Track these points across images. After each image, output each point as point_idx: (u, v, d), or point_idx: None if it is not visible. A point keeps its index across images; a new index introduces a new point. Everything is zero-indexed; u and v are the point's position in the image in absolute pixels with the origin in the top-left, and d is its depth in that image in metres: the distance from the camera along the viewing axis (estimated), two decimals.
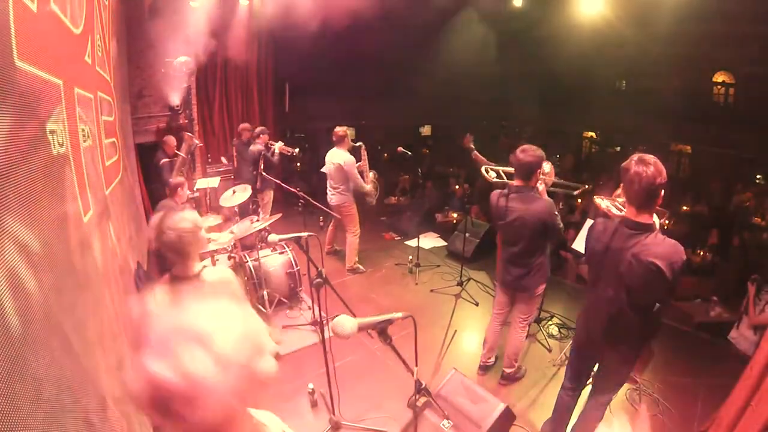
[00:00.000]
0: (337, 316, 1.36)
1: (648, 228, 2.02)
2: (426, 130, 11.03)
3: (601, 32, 7.66)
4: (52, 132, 1.45)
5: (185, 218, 1.87)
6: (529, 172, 2.92)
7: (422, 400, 1.58)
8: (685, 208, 7.21)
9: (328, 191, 5.16)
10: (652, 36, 7.98)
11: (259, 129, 5.79)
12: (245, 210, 5.06)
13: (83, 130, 1.99)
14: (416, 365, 1.48)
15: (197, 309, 0.72)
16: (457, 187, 8.05)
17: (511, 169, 3.33)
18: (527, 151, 2.90)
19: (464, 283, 5.01)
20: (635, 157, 1.97)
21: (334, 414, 2.92)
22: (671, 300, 2.18)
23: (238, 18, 6.98)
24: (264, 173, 5.26)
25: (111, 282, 2.16)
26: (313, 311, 4.22)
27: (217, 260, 4.22)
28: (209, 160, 7.26)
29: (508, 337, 3.42)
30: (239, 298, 0.81)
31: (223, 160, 6.75)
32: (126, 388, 0.65)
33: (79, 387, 1.30)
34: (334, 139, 5.06)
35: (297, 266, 4.54)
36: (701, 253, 5.68)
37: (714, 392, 3.14)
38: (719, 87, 9.33)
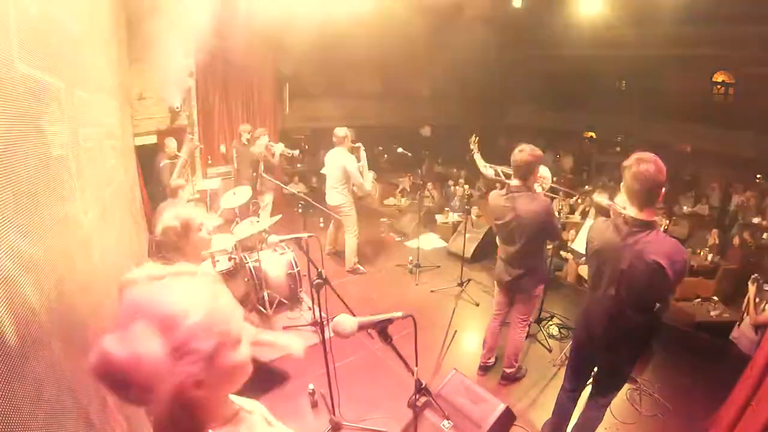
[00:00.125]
0: (337, 316, 1.36)
1: (650, 225, 2.03)
2: (426, 130, 11.03)
3: (601, 32, 7.67)
4: (53, 134, 1.46)
5: (177, 214, 1.89)
6: (527, 171, 2.92)
7: (422, 400, 1.58)
8: (685, 208, 7.21)
9: (327, 192, 5.16)
10: (652, 36, 7.98)
11: (259, 130, 5.80)
12: (245, 211, 5.07)
13: (83, 131, 2.00)
14: (416, 365, 1.48)
15: (165, 291, 0.71)
16: (457, 187, 8.05)
17: (509, 170, 3.33)
18: (525, 151, 2.91)
19: (464, 284, 5.01)
20: (635, 155, 1.99)
21: (334, 414, 2.92)
22: (671, 300, 2.17)
23: (239, 18, 6.99)
24: (264, 175, 5.26)
25: (111, 282, 2.17)
26: (314, 312, 4.22)
27: (218, 261, 4.22)
28: (209, 161, 7.27)
29: (508, 338, 3.42)
30: (221, 292, 0.79)
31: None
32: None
33: (80, 388, 1.30)
34: (334, 140, 5.06)
35: (297, 267, 4.54)
36: (701, 253, 5.69)
37: (714, 392, 3.13)
38: (719, 87, 9.34)
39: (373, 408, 3.09)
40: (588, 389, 2.65)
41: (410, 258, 5.52)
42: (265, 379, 3.41)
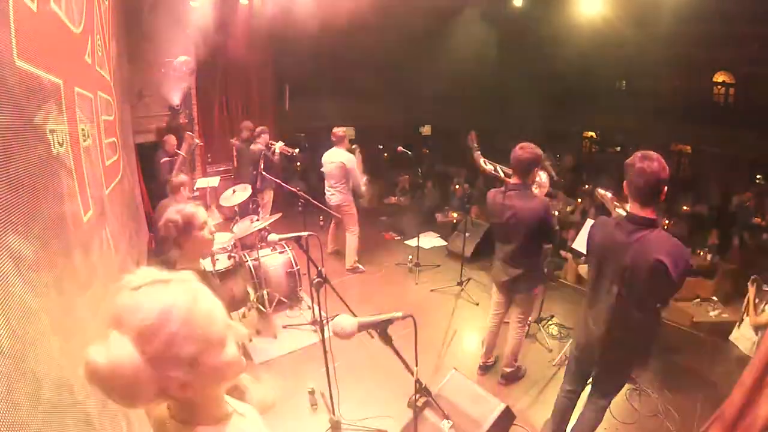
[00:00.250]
0: (337, 315, 1.36)
1: (653, 223, 2.04)
2: (426, 130, 11.01)
3: (601, 32, 7.66)
4: (52, 131, 1.45)
5: (180, 209, 1.86)
6: (526, 169, 2.92)
7: (422, 400, 1.58)
8: (685, 208, 7.21)
9: (327, 191, 5.17)
10: (652, 36, 7.98)
11: (259, 129, 5.80)
12: (245, 209, 5.07)
13: (83, 129, 1.99)
14: (416, 365, 1.48)
15: (140, 301, 0.72)
16: (457, 186, 8.05)
17: (509, 170, 3.33)
18: (525, 148, 2.91)
19: (464, 283, 5.01)
20: (639, 153, 2.01)
21: (334, 414, 2.92)
22: (671, 299, 2.17)
23: (238, 17, 6.98)
24: (264, 173, 5.26)
25: (111, 282, 2.16)
26: (313, 311, 4.22)
27: (217, 260, 4.21)
28: (209, 159, 7.26)
29: (508, 338, 3.42)
30: (201, 296, 0.80)
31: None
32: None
33: (79, 388, 1.29)
34: (333, 138, 5.08)
35: (297, 266, 4.54)
36: (701, 253, 5.68)
37: (714, 392, 3.14)
38: (719, 87, 9.34)
39: (373, 408, 3.09)
40: (588, 389, 2.64)
41: (410, 257, 5.52)
42: (265, 378, 3.40)
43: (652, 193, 1.99)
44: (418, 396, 1.57)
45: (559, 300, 4.67)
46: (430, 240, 6.54)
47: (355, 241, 5.31)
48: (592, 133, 11.68)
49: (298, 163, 8.37)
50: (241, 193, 4.68)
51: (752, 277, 3.88)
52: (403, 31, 8.39)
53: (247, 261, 4.35)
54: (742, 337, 3.86)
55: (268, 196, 5.91)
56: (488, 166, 3.94)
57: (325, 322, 2.55)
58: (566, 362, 3.28)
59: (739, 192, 7.51)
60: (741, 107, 8.76)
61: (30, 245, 1.14)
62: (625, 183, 2.08)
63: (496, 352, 3.66)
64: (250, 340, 3.96)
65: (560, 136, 10.83)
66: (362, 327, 1.34)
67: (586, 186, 7.46)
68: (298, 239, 2.53)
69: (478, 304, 4.63)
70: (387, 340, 1.41)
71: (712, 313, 4.37)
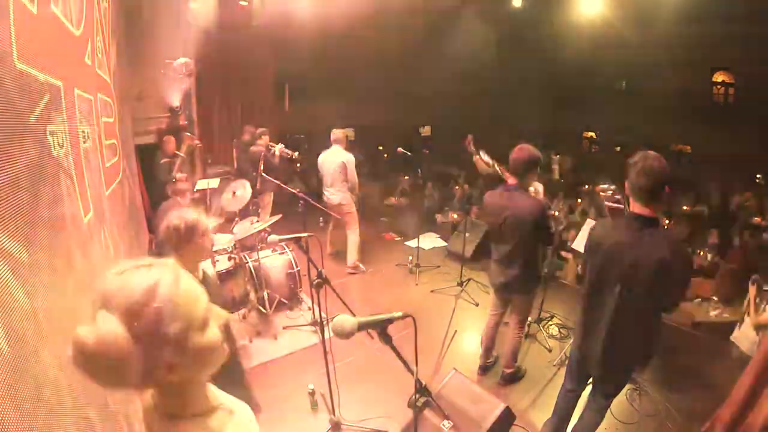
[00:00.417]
0: (337, 316, 1.36)
1: (655, 222, 2.05)
2: (426, 130, 11.01)
3: (601, 32, 7.67)
4: (52, 133, 1.45)
5: (183, 216, 1.86)
6: (524, 170, 2.93)
7: (422, 400, 1.58)
8: (685, 208, 7.20)
9: (325, 191, 5.18)
10: (652, 36, 7.98)
11: (259, 130, 5.81)
12: (245, 211, 5.07)
13: (83, 131, 1.99)
14: (416, 365, 1.48)
15: (125, 281, 0.75)
16: (457, 187, 8.05)
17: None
18: (524, 150, 2.91)
19: (464, 284, 5.01)
20: (640, 153, 2.04)
21: (334, 414, 2.92)
22: (680, 301, 2.16)
23: (238, 18, 6.98)
24: (264, 174, 5.26)
25: None
26: (313, 312, 4.22)
27: (217, 261, 4.22)
28: (209, 161, 7.27)
29: (507, 338, 3.42)
30: (182, 277, 0.82)
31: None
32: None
33: (80, 389, 1.30)
34: (332, 138, 5.09)
35: (297, 267, 4.54)
36: (701, 253, 5.68)
37: (714, 392, 3.14)
38: (719, 87, 9.33)
39: (373, 408, 3.10)
40: (588, 389, 2.64)
41: (410, 258, 5.52)
42: (265, 378, 3.41)
43: (654, 192, 2.01)
44: (418, 396, 1.57)
45: (559, 300, 4.67)
46: (430, 241, 6.55)
47: (357, 239, 5.32)
48: (592, 133, 11.67)
49: (299, 165, 8.37)
50: (241, 194, 4.68)
51: (753, 277, 3.88)
52: (403, 31, 8.40)
53: (247, 262, 4.35)
54: (743, 337, 3.85)
55: (269, 198, 5.92)
56: (485, 157, 3.95)
57: (325, 322, 2.55)
58: (566, 362, 3.28)
59: (739, 192, 7.51)
60: (741, 107, 8.75)
61: (30, 247, 1.14)
62: (626, 183, 2.10)
63: (495, 353, 3.66)
64: (251, 341, 3.97)
65: (560, 136, 10.82)
66: (362, 327, 1.34)
67: (586, 186, 7.46)
68: (298, 240, 2.54)
69: (478, 305, 4.63)
70: (387, 340, 1.41)
71: (712, 313, 4.37)
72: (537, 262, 3.16)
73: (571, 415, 2.72)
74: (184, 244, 1.84)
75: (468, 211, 5.82)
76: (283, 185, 4.77)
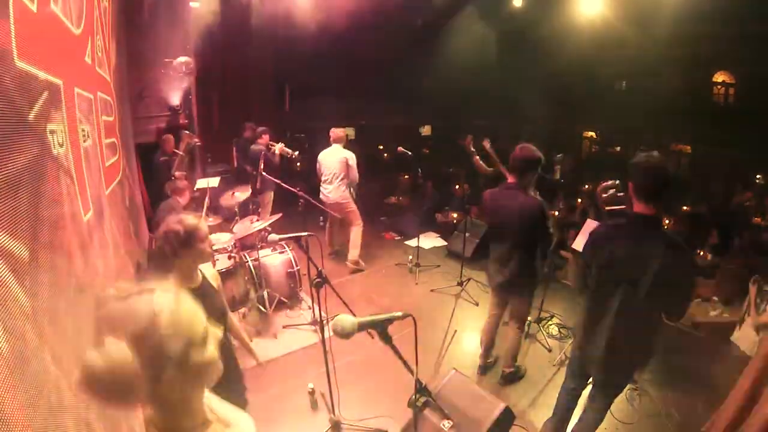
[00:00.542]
0: (336, 315, 1.36)
1: (658, 222, 2.07)
2: (426, 130, 11.01)
3: (601, 32, 7.66)
4: (52, 132, 1.45)
5: (182, 220, 1.82)
6: (524, 169, 2.92)
7: (422, 400, 1.58)
8: (685, 208, 7.20)
9: (324, 189, 5.18)
10: (652, 36, 7.97)
11: (260, 129, 5.81)
12: (245, 210, 5.08)
13: (83, 130, 1.99)
14: (416, 365, 1.48)
15: (131, 308, 0.79)
16: (457, 187, 8.04)
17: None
18: (524, 149, 2.91)
19: (464, 283, 5.01)
20: (644, 154, 2.06)
21: (334, 414, 2.92)
22: (686, 303, 2.14)
23: (238, 18, 6.98)
24: (264, 173, 5.27)
25: (111, 282, 2.16)
26: (313, 311, 4.22)
27: (218, 260, 4.22)
28: (209, 159, 7.26)
29: (506, 338, 3.42)
30: (183, 298, 0.86)
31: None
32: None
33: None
34: (332, 137, 5.10)
35: (297, 266, 4.54)
36: (701, 253, 5.68)
37: (714, 392, 3.14)
38: (719, 87, 9.32)
39: (373, 408, 3.10)
40: (588, 389, 2.64)
41: (410, 257, 5.52)
42: (265, 378, 3.41)
43: (657, 192, 2.02)
44: (418, 396, 1.57)
45: (559, 300, 4.67)
46: (430, 240, 6.54)
47: (360, 233, 5.33)
48: (592, 133, 11.66)
49: (299, 164, 8.37)
50: (241, 193, 4.68)
51: (753, 277, 3.88)
52: (403, 31, 8.40)
53: (247, 261, 4.35)
54: (744, 338, 3.86)
55: (269, 197, 5.92)
56: (488, 146, 3.95)
57: (325, 322, 2.55)
58: (566, 362, 3.28)
59: (739, 192, 7.50)
60: (741, 107, 8.75)
61: (30, 246, 1.14)
62: (629, 183, 2.10)
63: (495, 353, 3.66)
64: (250, 340, 3.96)
65: (560, 136, 10.81)
66: (362, 327, 1.34)
67: (586, 186, 7.45)
68: (298, 239, 2.54)
69: (478, 304, 4.63)
70: (387, 339, 1.41)
71: (712, 313, 4.37)
72: (535, 262, 3.14)
73: (571, 415, 2.72)
74: (183, 249, 1.81)
75: (468, 211, 5.81)
76: (283, 184, 4.77)
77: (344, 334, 1.30)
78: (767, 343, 2.44)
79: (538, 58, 9.93)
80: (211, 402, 1.01)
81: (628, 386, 3.26)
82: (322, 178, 5.20)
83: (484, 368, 3.61)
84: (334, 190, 5.12)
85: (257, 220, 4.32)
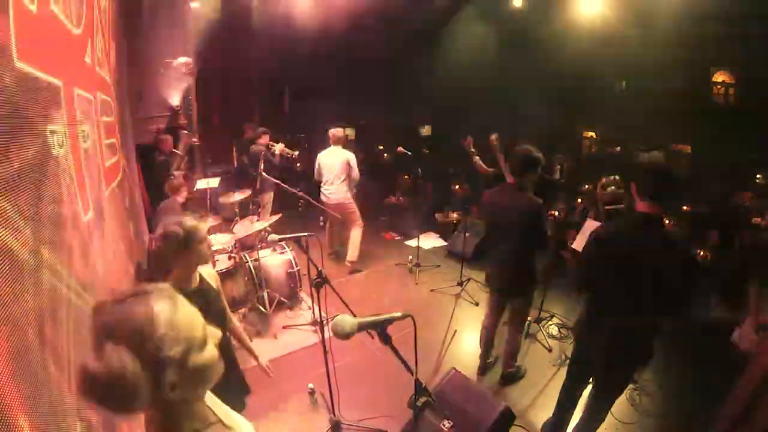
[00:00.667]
0: (336, 316, 1.36)
1: (660, 221, 2.08)
2: (426, 130, 11.00)
3: (601, 32, 7.67)
4: (52, 132, 1.45)
5: (181, 222, 1.81)
6: (523, 170, 2.92)
7: (422, 400, 1.58)
8: (685, 208, 7.19)
9: (325, 190, 5.17)
10: (653, 36, 7.97)
11: (260, 129, 5.82)
12: (245, 210, 5.08)
13: (83, 130, 1.99)
14: (416, 365, 1.48)
15: (128, 311, 0.78)
16: (457, 187, 8.04)
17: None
18: (524, 150, 2.91)
19: (464, 283, 5.01)
20: (647, 154, 2.07)
21: (334, 414, 2.92)
22: (688, 303, 2.14)
23: (238, 18, 6.98)
24: (264, 174, 5.28)
25: (112, 283, 2.16)
26: (313, 311, 4.22)
27: (217, 260, 4.22)
28: (209, 160, 7.27)
29: (506, 338, 3.42)
30: (180, 301, 0.86)
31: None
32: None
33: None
34: (332, 138, 5.10)
35: (297, 266, 4.54)
36: (701, 253, 5.67)
37: (714, 393, 3.13)
38: (719, 87, 9.31)
39: (373, 408, 3.10)
40: (588, 389, 2.64)
41: (410, 257, 5.52)
42: (265, 378, 3.40)
43: (660, 192, 2.05)
44: (418, 396, 1.57)
45: (559, 300, 4.67)
46: (430, 240, 6.55)
47: (360, 236, 5.34)
48: (592, 133, 11.66)
49: (299, 165, 8.38)
50: (241, 193, 4.69)
51: (753, 277, 3.88)
52: (403, 31, 8.39)
53: (247, 261, 4.35)
54: (744, 338, 3.85)
55: (269, 197, 5.92)
56: (495, 141, 3.96)
57: (325, 322, 2.55)
58: (566, 362, 3.28)
59: (739, 192, 7.50)
60: (741, 107, 8.74)
61: (30, 246, 1.14)
62: (633, 183, 2.11)
63: (495, 352, 3.66)
64: (250, 340, 3.96)
65: (560, 136, 10.81)
66: (362, 327, 1.34)
67: (586, 186, 7.45)
68: (298, 240, 2.54)
69: (478, 304, 4.63)
70: (387, 340, 1.41)
71: (712, 313, 4.36)
72: (533, 263, 3.13)
73: (571, 415, 2.72)
74: (182, 250, 1.80)
75: (468, 211, 5.82)
76: (283, 184, 4.77)
77: (344, 335, 1.30)
78: (765, 350, 2.44)
79: (538, 58, 9.92)
80: (213, 404, 1.00)
81: (628, 386, 3.26)
82: (323, 180, 5.19)
83: (484, 368, 3.61)
84: (336, 191, 5.12)
85: (257, 221, 4.32)
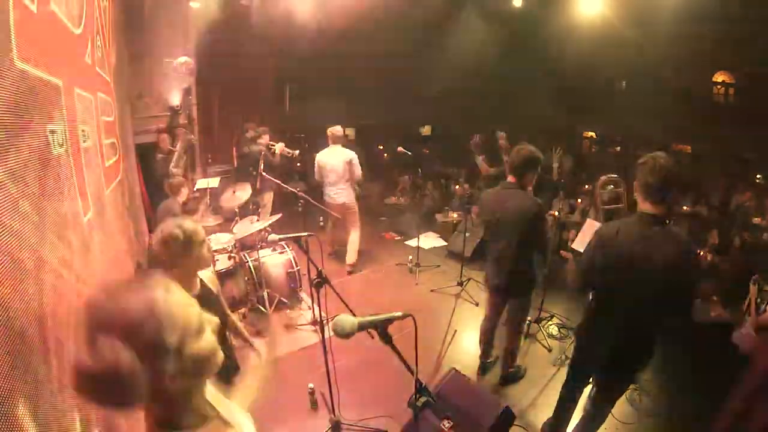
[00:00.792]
0: (336, 315, 1.36)
1: (663, 220, 2.07)
2: (426, 130, 11.02)
3: (601, 32, 7.67)
4: (52, 132, 1.45)
5: (181, 225, 1.76)
6: (523, 169, 2.92)
7: (422, 400, 1.58)
8: (685, 208, 7.19)
9: (329, 191, 5.12)
10: (652, 36, 7.98)
11: (260, 129, 5.82)
12: (245, 210, 5.08)
13: (83, 130, 1.99)
14: (416, 365, 1.48)
15: (120, 302, 0.75)
16: (457, 187, 8.05)
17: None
18: (524, 149, 2.91)
19: (464, 283, 5.01)
20: (650, 154, 2.09)
21: (334, 414, 2.92)
22: (690, 303, 2.14)
23: (239, 18, 6.98)
24: (264, 173, 5.28)
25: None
26: (313, 311, 4.22)
27: (217, 261, 4.21)
28: (209, 160, 7.27)
29: (506, 338, 3.42)
30: (173, 288, 0.83)
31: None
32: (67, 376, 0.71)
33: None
34: (331, 137, 5.05)
35: (297, 266, 4.54)
36: (701, 253, 5.67)
37: (714, 393, 3.13)
38: (719, 87, 9.32)
39: (373, 408, 3.10)
40: (588, 389, 2.64)
41: (410, 257, 5.52)
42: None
43: (663, 191, 2.05)
44: (418, 396, 1.57)
45: (559, 300, 4.67)
46: (430, 240, 6.55)
47: (358, 239, 5.33)
48: (592, 133, 11.66)
49: (299, 164, 8.38)
50: (241, 193, 4.68)
51: (753, 277, 3.88)
52: (404, 31, 8.40)
53: (247, 261, 4.35)
54: (744, 338, 3.85)
55: (269, 197, 5.92)
56: (502, 140, 3.94)
57: (325, 322, 2.55)
58: (567, 362, 3.28)
59: (739, 192, 7.50)
60: (741, 107, 8.74)
61: (30, 247, 1.14)
62: (636, 183, 2.11)
63: (495, 353, 3.66)
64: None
65: (560, 136, 10.81)
66: (362, 327, 1.34)
67: (586, 186, 7.45)
68: (298, 239, 2.54)
69: (478, 304, 4.63)
70: (387, 340, 1.41)
71: (712, 313, 4.36)
72: (531, 263, 3.11)
73: (571, 415, 2.72)
74: (182, 255, 1.74)
75: (468, 211, 5.82)
76: (283, 184, 4.77)
77: (344, 334, 1.30)
78: (765, 351, 2.43)
79: (538, 58, 9.94)
80: (213, 399, 0.98)
81: (629, 386, 3.26)
82: (326, 181, 5.11)
83: (484, 368, 3.61)
84: (340, 193, 5.07)
85: (257, 221, 4.32)
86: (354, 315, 1.41)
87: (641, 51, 8.73)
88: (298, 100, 8.94)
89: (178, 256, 1.74)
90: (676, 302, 2.10)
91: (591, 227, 3.39)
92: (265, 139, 5.65)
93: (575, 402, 2.69)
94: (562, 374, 2.83)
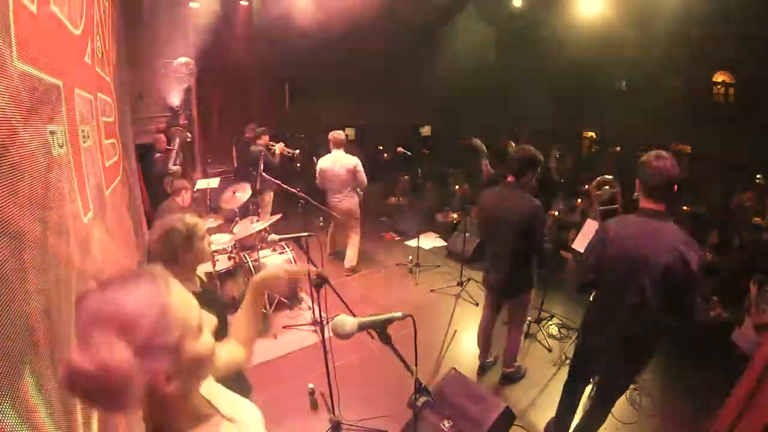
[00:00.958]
0: (336, 316, 1.36)
1: (665, 216, 2.08)
2: (426, 130, 11.02)
3: (602, 32, 7.68)
4: (52, 133, 1.45)
5: (182, 218, 1.76)
6: (522, 169, 2.92)
7: (422, 400, 1.58)
8: (685, 208, 7.19)
9: (333, 197, 5.06)
10: (653, 36, 7.99)
11: (260, 129, 5.82)
12: (245, 210, 5.08)
13: (83, 130, 1.99)
14: (416, 365, 1.48)
15: (116, 296, 0.71)
16: (457, 187, 8.04)
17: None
18: (523, 149, 2.92)
19: (464, 283, 5.01)
20: (653, 153, 2.10)
21: (334, 414, 2.92)
22: (696, 297, 2.13)
23: (239, 18, 6.99)
24: (264, 174, 5.28)
25: None
26: (313, 311, 4.22)
27: (217, 260, 4.22)
28: (209, 160, 7.27)
29: (506, 338, 3.42)
30: (173, 284, 0.79)
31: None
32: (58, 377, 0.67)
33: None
34: (332, 142, 5.00)
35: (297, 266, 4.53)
36: (706, 253, 5.67)
37: (714, 393, 3.13)
38: (719, 87, 9.31)
39: (373, 408, 3.10)
40: (589, 389, 2.64)
41: (410, 257, 5.52)
42: (265, 378, 3.41)
43: (667, 189, 2.07)
44: (418, 396, 1.57)
45: (559, 300, 4.67)
46: (430, 240, 6.55)
47: (358, 243, 5.32)
48: (592, 133, 11.66)
49: (298, 164, 8.38)
50: (241, 194, 4.68)
51: (753, 277, 3.88)
52: (403, 31, 8.40)
53: (247, 262, 4.35)
54: (744, 337, 3.86)
55: (268, 197, 5.92)
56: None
57: (325, 322, 2.55)
58: (567, 362, 3.28)
59: (739, 192, 7.50)
60: (741, 107, 8.74)
61: (30, 247, 1.14)
62: (638, 181, 2.12)
63: (495, 353, 3.66)
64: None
65: (560, 136, 10.81)
66: (362, 327, 1.34)
67: (586, 186, 7.45)
68: (298, 240, 2.54)
69: (477, 304, 4.63)
70: (387, 340, 1.41)
71: (712, 313, 4.36)
72: (529, 264, 3.09)
73: (573, 415, 2.72)
74: (183, 250, 1.74)
75: (468, 211, 5.82)
76: (283, 184, 4.76)
77: (344, 335, 1.30)
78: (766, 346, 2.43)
79: (538, 57, 9.94)
80: (215, 394, 0.95)
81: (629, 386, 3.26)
82: (329, 187, 5.01)
83: (484, 368, 3.61)
84: (345, 199, 5.01)
85: (257, 221, 4.32)
86: (354, 315, 1.41)
87: (641, 51, 8.73)
88: (298, 100, 8.94)
89: (179, 251, 1.73)
90: (677, 300, 2.09)
91: (591, 227, 3.39)
92: (264, 139, 5.65)
93: (576, 402, 2.69)
94: (563, 374, 2.83)
